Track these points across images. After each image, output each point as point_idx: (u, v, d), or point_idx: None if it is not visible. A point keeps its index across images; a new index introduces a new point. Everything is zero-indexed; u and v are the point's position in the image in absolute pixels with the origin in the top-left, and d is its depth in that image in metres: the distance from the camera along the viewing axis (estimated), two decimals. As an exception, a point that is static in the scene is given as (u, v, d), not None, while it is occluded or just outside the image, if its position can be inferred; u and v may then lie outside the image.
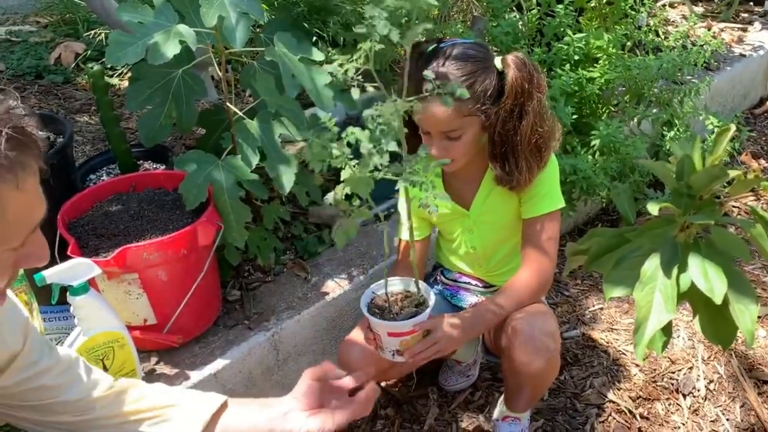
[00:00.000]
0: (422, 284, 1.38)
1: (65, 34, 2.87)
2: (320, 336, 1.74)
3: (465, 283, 1.73)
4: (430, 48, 1.41)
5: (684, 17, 3.85)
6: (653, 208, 0.73)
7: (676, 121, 2.47)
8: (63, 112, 2.39)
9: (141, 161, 1.88)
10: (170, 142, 2.26)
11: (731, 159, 2.77)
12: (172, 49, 1.26)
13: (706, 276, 0.68)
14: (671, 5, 3.99)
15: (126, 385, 1.08)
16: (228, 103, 1.53)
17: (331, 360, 1.74)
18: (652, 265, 0.72)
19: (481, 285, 1.71)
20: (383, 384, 1.87)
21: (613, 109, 2.42)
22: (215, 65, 1.49)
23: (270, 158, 1.43)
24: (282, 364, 1.67)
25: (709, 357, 1.96)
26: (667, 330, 0.74)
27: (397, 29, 1.01)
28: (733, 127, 0.80)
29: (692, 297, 0.71)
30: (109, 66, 2.71)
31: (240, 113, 1.53)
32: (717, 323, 0.72)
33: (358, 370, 1.53)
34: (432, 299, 1.36)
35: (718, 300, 0.66)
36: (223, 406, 1.09)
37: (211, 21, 1.24)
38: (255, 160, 1.43)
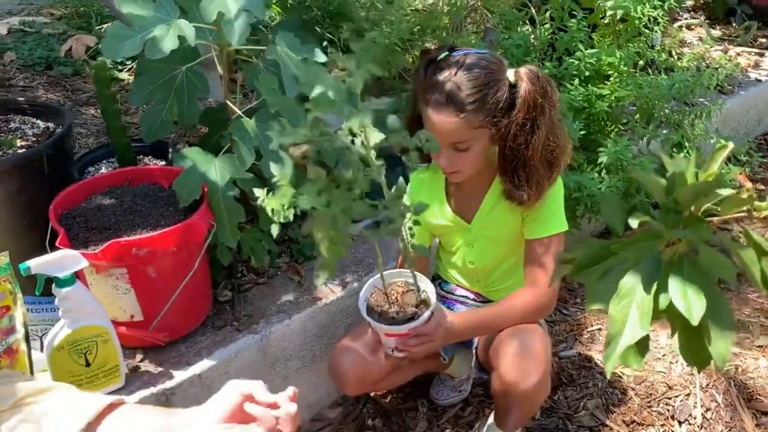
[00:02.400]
0: (426, 283, 1.36)
1: (78, 27, 2.87)
2: (310, 342, 1.71)
3: (461, 296, 1.70)
4: (442, 55, 1.39)
5: (701, 39, 3.82)
6: (634, 222, 0.70)
7: (687, 143, 2.43)
8: (69, 104, 2.39)
9: (142, 156, 1.87)
10: (174, 140, 2.25)
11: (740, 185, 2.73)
12: (170, 44, 1.25)
13: (685, 296, 0.65)
14: (688, 27, 3.97)
15: (10, 372, 1.01)
16: (228, 101, 1.52)
17: (322, 366, 1.72)
18: (631, 279, 0.69)
19: (477, 300, 1.69)
20: (373, 394, 1.84)
21: (622, 128, 2.39)
22: (216, 62, 1.47)
23: (266, 158, 1.41)
24: (270, 368, 1.64)
25: (708, 384, 1.91)
26: (643, 346, 0.71)
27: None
28: (731, 145, 0.78)
29: (671, 315, 0.68)
30: (119, 61, 2.72)
31: (239, 112, 1.51)
32: (694, 345, 0.69)
33: (349, 378, 1.52)
34: (433, 300, 1.34)
35: (694, 321, 0.64)
36: (112, 407, 0.97)
37: (211, 16, 1.22)
38: (250, 159, 1.41)
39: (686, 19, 4.13)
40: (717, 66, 2.31)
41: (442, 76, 1.35)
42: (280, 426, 0.96)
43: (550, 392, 1.85)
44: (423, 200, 1.57)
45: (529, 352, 1.43)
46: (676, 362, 1.98)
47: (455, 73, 1.34)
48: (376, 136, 1.04)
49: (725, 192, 0.78)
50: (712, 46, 3.45)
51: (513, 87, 1.37)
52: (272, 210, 1.01)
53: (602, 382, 1.91)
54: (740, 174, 0.81)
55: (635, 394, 1.88)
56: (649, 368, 1.97)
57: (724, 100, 2.39)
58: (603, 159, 2.15)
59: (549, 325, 2.11)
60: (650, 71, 2.47)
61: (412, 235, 1.15)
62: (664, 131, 2.41)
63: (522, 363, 1.42)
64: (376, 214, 1.03)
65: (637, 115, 2.40)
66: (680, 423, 1.79)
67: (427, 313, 1.32)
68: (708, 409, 1.84)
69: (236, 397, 0.95)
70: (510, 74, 1.38)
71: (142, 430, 0.93)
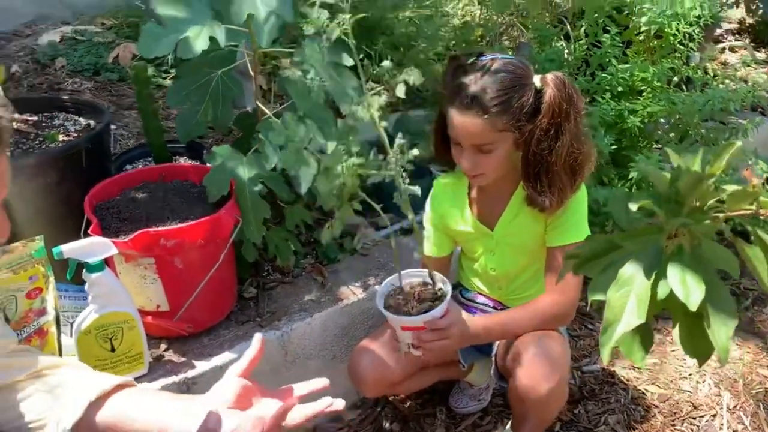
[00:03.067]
0: (441, 278, 1.38)
1: (126, 36, 2.99)
2: (330, 341, 1.74)
3: (482, 304, 1.70)
4: (470, 61, 1.41)
5: (745, 63, 3.76)
6: (633, 206, 0.70)
7: (725, 162, 2.39)
8: (113, 108, 2.49)
9: (177, 156, 1.94)
10: (211, 143, 2.32)
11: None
12: (201, 45, 1.31)
13: (683, 282, 0.65)
14: (732, 49, 3.91)
15: (29, 348, 1.06)
16: (258, 103, 1.57)
17: (341, 367, 1.75)
18: (631, 268, 0.70)
19: (498, 308, 1.69)
20: (392, 398, 1.85)
21: (655, 144, 2.37)
22: (248, 65, 1.53)
23: (290, 157, 1.45)
24: (290, 365, 1.67)
25: (735, 406, 1.86)
26: (645, 338, 0.71)
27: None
28: (739, 143, 0.78)
29: (671, 306, 0.68)
30: (163, 69, 2.83)
31: (269, 113, 1.56)
32: (695, 337, 0.69)
33: (367, 379, 1.54)
34: (448, 294, 1.35)
35: (693, 307, 0.63)
36: (122, 386, 1.01)
37: (242, 17, 1.28)
38: (275, 158, 1.45)
39: (730, 41, 4.07)
40: (753, 83, 2.28)
41: (468, 78, 1.37)
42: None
43: (571, 406, 1.84)
44: (445, 206, 1.60)
45: (546, 357, 1.43)
46: (703, 382, 1.94)
47: (481, 76, 1.36)
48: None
49: (731, 187, 0.78)
50: (752, 66, 3.39)
51: (539, 92, 1.38)
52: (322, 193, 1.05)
53: (625, 398, 1.88)
54: (747, 170, 0.80)
55: (659, 412, 1.84)
56: (674, 386, 1.93)
57: (762, 119, 2.35)
58: (633, 174, 2.14)
59: (573, 339, 2.09)
60: (686, 88, 2.45)
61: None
62: (699, 149, 2.38)
63: (538, 368, 1.42)
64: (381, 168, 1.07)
65: (672, 133, 2.38)
66: (705, 443, 1.76)
67: (442, 306, 1.33)
68: (735, 431, 1.79)
69: (238, 383, 0.99)
70: (536, 80, 1.39)
71: (149, 407, 0.97)
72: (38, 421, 0.96)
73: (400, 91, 1.12)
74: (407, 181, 1.17)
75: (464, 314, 1.45)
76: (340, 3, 1.06)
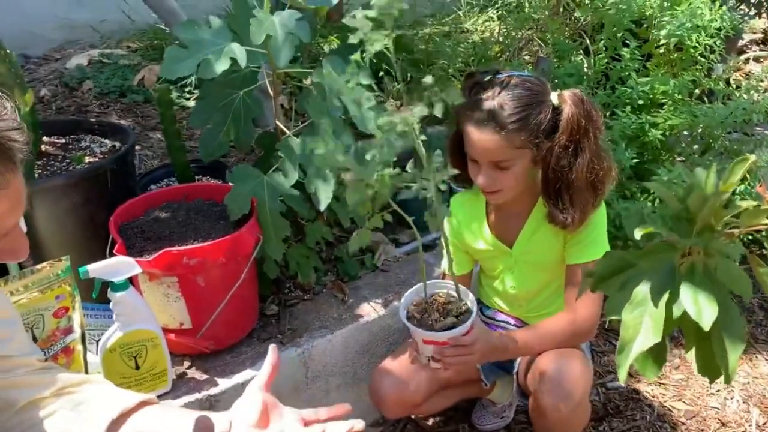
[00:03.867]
0: (465, 291, 1.38)
1: (151, 58, 3.06)
2: (351, 359, 1.74)
3: (503, 321, 1.70)
4: (487, 78, 1.41)
5: (769, 73, 3.71)
6: (638, 233, 0.70)
7: (747, 175, 2.36)
8: (138, 129, 2.54)
9: (200, 176, 1.97)
10: (233, 163, 2.35)
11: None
12: (222, 66, 1.34)
13: (696, 301, 0.65)
14: (756, 59, 3.87)
15: (53, 365, 1.07)
16: (278, 122, 1.59)
17: (363, 385, 1.75)
18: (645, 288, 0.69)
19: (519, 325, 1.68)
20: (414, 416, 1.85)
21: (677, 158, 2.35)
22: (268, 85, 1.55)
23: (309, 175, 1.47)
24: (311, 383, 1.68)
25: (765, 423, 1.82)
26: (659, 355, 0.71)
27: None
28: (753, 157, 0.77)
29: (685, 325, 0.68)
30: (186, 90, 2.88)
31: (289, 132, 1.59)
32: (706, 355, 0.68)
33: (388, 401, 1.53)
34: (474, 311, 1.35)
35: (705, 326, 0.63)
36: (145, 403, 1.02)
37: (259, 39, 1.30)
38: (294, 176, 1.47)
39: (754, 51, 4.03)
40: (777, 94, 2.25)
41: (486, 95, 1.37)
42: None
43: (596, 423, 1.82)
44: (463, 223, 1.60)
45: (567, 376, 1.41)
46: (731, 398, 1.90)
47: (498, 93, 1.36)
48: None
49: (744, 204, 0.77)
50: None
51: (556, 109, 1.38)
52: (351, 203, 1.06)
53: (651, 415, 1.86)
54: (760, 186, 0.79)
55: (686, 429, 1.81)
56: (702, 403, 1.90)
57: (787, 130, 2.32)
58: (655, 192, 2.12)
59: (597, 355, 2.07)
60: (708, 100, 2.43)
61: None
62: (723, 162, 2.36)
63: (559, 388, 1.40)
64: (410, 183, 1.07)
65: (695, 145, 2.36)
66: (734, 461, 1.72)
67: (467, 324, 1.33)
68: (765, 449, 1.75)
69: (260, 400, 0.99)
70: (554, 97, 1.39)
71: (170, 424, 0.98)
72: None
73: (439, 110, 1.12)
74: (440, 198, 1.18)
75: (486, 330, 1.45)
76: (383, 16, 1.07)
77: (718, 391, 1.93)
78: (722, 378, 0.67)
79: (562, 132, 1.36)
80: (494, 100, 1.36)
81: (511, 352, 1.50)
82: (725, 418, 1.85)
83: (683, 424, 1.83)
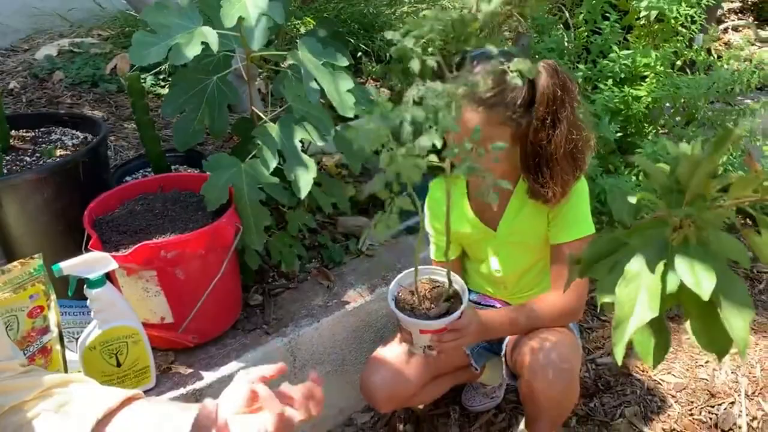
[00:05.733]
0: (456, 278, 1.35)
1: (123, 46, 2.98)
2: (339, 346, 1.72)
3: (488, 306, 1.68)
4: (459, 56, 1.38)
5: (749, 42, 3.70)
6: (633, 198, 0.68)
7: (730, 145, 2.35)
8: (113, 119, 2.48)
9: (177, 166, 1.92)
10: (210, 151, 2.30)
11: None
12: (193, 50, 1.29)
13: (692, 271, 0.63)
14: (735, 29, 3.86)
15: (35, 368, 1.04)
16: (254, 108, 1.55)
17: (352, 371, 1.73)
18: (637, 263, 0.67)
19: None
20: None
21: (660, 130, 2.34)
22: (242, 70, 1.51)
23: (288, 161, 1.43)
24: (299, 372, 1.65)
25: (754, 392, 1.83)
26: (662, 339, 0.68)
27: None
28: (738, 130, 0.75)
29: (683, 299, 0.65)
30: (162, 77, 2.82)
31: (265, 118, 1.54)
32: (711, 329, 0.66)
33: (380, 397, 1.51)
34: (466, 295, 1.33)
35: (705, 296, 0.61)
36: (131, 399, 0.99)
37: (231, 21, 1.25)
38: (273, 163, 1.43)
39: (733, 20, 4.02)
40: (758, 62, 2.23)
41: (459, 74, 1.34)
42: (295, 412, 0.97)
43: (587, 399, 1.81)
44: (444, 208, 1.57)
45: (555, 357, 1.40)
46: (720, 369, 1.91)
47: (472, 70, 1.33)
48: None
49: (734, 174, 0.75)
50: (757, 45, 3.34)
51: (532, 82, 1.35)
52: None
53: (641, 389, 1.85)
54: (748, 156, 0.78)
55: (676, 402, 1.81)
56: (690, 375, 1.90)
57: (768, 99, 2.31)
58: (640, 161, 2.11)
59: (586, 332, 2.06)
60: (690, 71, 2.42)
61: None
62: (706, 132, 2.34)
63: (548, 369, 1.39)
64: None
65: (678, 117, 2.34)
66: (724, 432, 1.72)
67: (463, 306, 1.31)
68: (754, 418, 1.76)
69: (247, 388, 0.96)
70: None
71: (153, 418, 0.96)
72: None
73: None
74: None
75: (476, 311, 1.43)
76: None
77: (706, 362, 1.94)
78: (732, 353, 0.65)
79: (539, 104, 1.33)
80: (468, 78, 1.32)
81: (500, 330, 1.48)
82: (714, 389, 1.85)
83: (673, 396, 1.83)
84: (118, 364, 1.39)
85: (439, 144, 0.93)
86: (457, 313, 1.31)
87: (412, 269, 1.38)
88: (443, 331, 1.34)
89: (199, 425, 0.92)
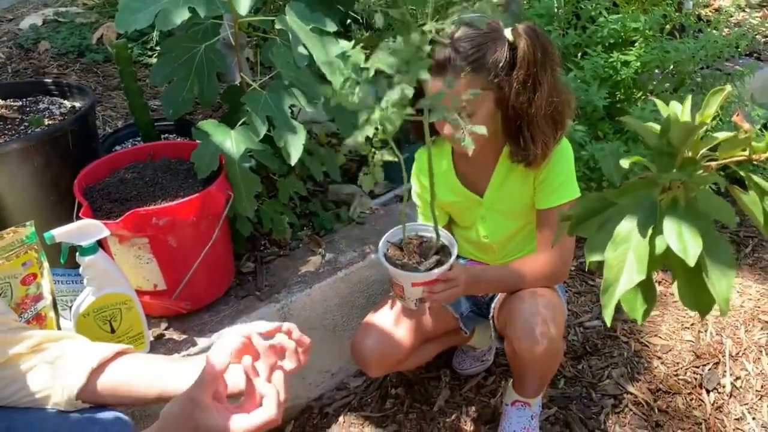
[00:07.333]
0: (443, 231, 1.37)
1: (109, 15, 2.95)
2: (331, 311, 1.74)
3: (477, 271, 1.70)
4: (438, 24, 1.37)
5: (739, 7, 3.69)
6: (625, 162, 0.69)
7: (719, 109, 2.37)
8: (101, 89, 2.46)
9: (167, 135, 1.92)
10: (200, 120, 2.29)
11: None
12: (180, 16, 1.28)
13: (680, 236, 0.64)
14: (726, -6, 3.84)
15: (28, 327, 1.06)
16: (242, 74, 1.54)
17: (344, 336, 1.75)
18: (627, 225, 0.68)
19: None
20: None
21: (649, 95, 2.34)
22: (230, 36, 1.50)
23: (278, 128, 1.43)
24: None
25: (738, 353, 1.87)
26: (648, 295, 0.70)
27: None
28: (729, 88, 0.76)
29: (669, 261, 0.67)
30: (149, 47, 2.79)
31: (255, 85, 1.54)
32: (695, 289, 0.67)
33: (371, 362, 1.53)
34: (455, 248, 1.35)
35: (691, 261, 0.62)
36: (122, 353, 1.03)
37: (218, -14, 1.25)
38: (263, 129, 1.43)
39: (724, -15, 4.00)
40: (748, 26, 2.23)
41: (439, 41, 1.34)
42: (286, 362, 1.01)
43: (575, 361, 1.85)
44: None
45: (539, 318, 1.42)
46: (705, 331, 1.95)
47: (450, 37, 1.32)
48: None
49: (722, 135, 0.76)
50: (746, 11, 3.33)
51: (512, 45, 1.35)
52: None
53: (627, 351, 1.89)
54: (737, 115, 0.79)
55: (661, 363, 1.85)
56: (676, 337, 1.94)
57: (757, 64, 2.31)
58: (629, 127, 2.11)
59: (574, 296, 2.09)
60: (679, 36, 2.41)
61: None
62: (696, 99, 2.35)
63: (532, 329, 1.41)
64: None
65: (667, 83, 2.35)
66: (708, 391, 1.76)
67: (453, 257, 1.32)
68: (738, 378, 1.80)
69: (237, 341, 0.98)
70: (508, 33, 1.36)
71: (148, 371, 1.00)
72: (43, 391, 0.99)
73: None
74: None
75: (464, 265, 1.45)
76: None
77: (692, 324, 1.97)
78: (714, 310, 0.67)
79: (519, 67, 1.33)
80: (448, 45, 1.32)
81: (488, 284, 1.51)
82: (699, 350, 1.89)
83: (659, 358, 1.87)
84: (113, 331, 1.40)
85: (410, 94, 0.93)
86: (447, 264, 1.33)
87: (400, 226, 1.39)
88: (435, 283, 1.35)
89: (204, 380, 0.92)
